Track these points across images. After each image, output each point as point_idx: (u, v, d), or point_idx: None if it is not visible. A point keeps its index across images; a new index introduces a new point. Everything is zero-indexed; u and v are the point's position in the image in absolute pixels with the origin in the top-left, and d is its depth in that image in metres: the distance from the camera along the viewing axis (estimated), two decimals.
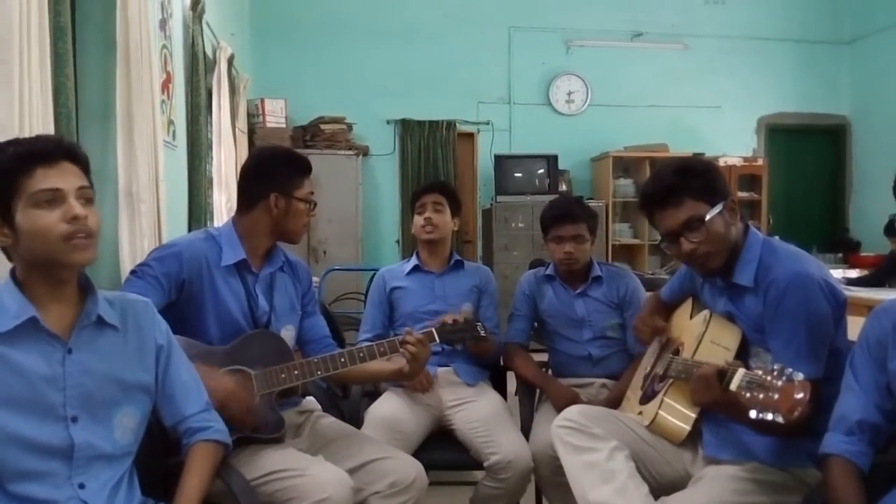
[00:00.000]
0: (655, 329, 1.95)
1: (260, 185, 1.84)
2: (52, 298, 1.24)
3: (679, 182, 1.61)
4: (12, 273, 1.25)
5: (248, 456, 1.64)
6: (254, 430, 1.68)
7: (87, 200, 1.25)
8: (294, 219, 1.86)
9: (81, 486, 1.23)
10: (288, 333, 1.89)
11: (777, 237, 1.77)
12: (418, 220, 2.49)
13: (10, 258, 1.25)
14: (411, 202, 2.57)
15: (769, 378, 1.27)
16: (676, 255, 1.66)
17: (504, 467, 2.03)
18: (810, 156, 7.34)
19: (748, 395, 1.29)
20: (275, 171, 1.85)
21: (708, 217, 1.58)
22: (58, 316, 1.25)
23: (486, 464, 2.07)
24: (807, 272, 1.53)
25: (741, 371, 1.36)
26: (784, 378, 1.25)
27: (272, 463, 1.62)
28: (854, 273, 4.61)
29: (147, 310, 1.40)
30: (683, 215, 1.60)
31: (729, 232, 1.61)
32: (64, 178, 1.22)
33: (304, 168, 1.90)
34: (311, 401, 2.10)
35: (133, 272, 1.71)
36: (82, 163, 1.27)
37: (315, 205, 1.91)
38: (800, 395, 1.22)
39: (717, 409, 1.54)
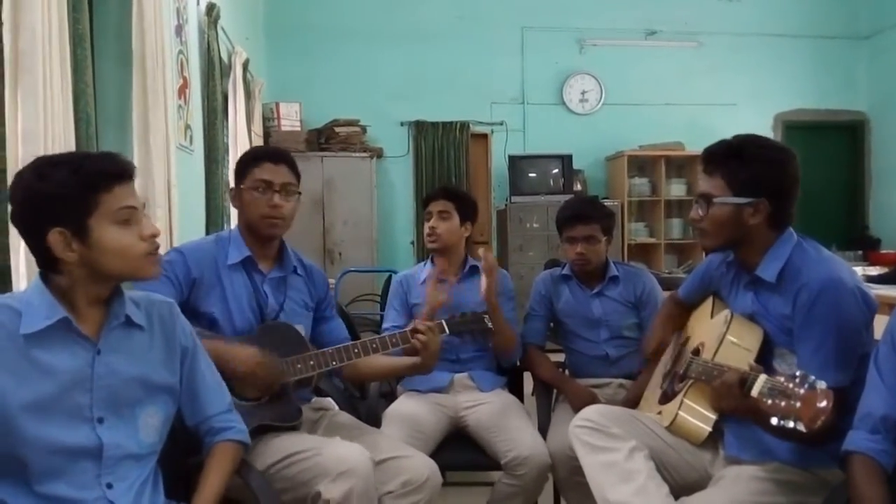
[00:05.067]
0: (659, 349, 1.97)
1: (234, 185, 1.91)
2: (85, 302, 1.26)
3: (721, 157, 1.60)
4: (42, 276, 1.26)
5: (265, 443, 1.67)
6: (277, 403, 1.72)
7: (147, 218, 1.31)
8: (247, 208, 1.85)
9: (109, 486, 1.24)
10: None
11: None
12: (425, 228, 2.45)
13: (54, 269, 1.23)
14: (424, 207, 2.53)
15: (791, 385, 1.25)
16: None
17: (521, 463, 2.02)
18: (828, 152, 7.25)
19: (770, 401, 1.27)
20: (236, 168, 1.91)
21: (716, 201, 1.58)
22: (87, 317, 1.26)
23: (503, 461, 2.06)
24: (840, 278, 1.50)
25: (763, 377, 1.34)
26: (806, 386, 1.22)
27: (290, 446, 1.65)
28: (874, 270, 4.55)
29: (172, 311, 1.42)
30: (704, 187, 1.61)
31: (737, 226, 1.59)
32: (134, 196, 1.27)
33: (253, 156, 1.90)
34: (328, 401, 2.11)
35: None
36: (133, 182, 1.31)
37: (278, 192, 1.82)
38: (822, 405, 1.20)
39: (739, 414, 1.52)
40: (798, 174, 1.63)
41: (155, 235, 1.27)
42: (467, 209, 2.44)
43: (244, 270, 1.85)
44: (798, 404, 1.22)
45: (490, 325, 2.02)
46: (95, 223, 1.20)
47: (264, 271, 1.88)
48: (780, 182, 1.60)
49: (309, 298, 1.98)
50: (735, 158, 1.59)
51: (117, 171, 1.23)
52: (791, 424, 1.22)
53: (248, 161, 1.89)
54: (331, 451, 1.61)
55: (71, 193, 1.18)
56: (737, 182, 1.57)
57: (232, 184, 1.94)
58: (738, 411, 1.47)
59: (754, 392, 1.33)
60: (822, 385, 1.22)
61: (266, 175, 1.83)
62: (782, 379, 1.27)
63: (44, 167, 1.20)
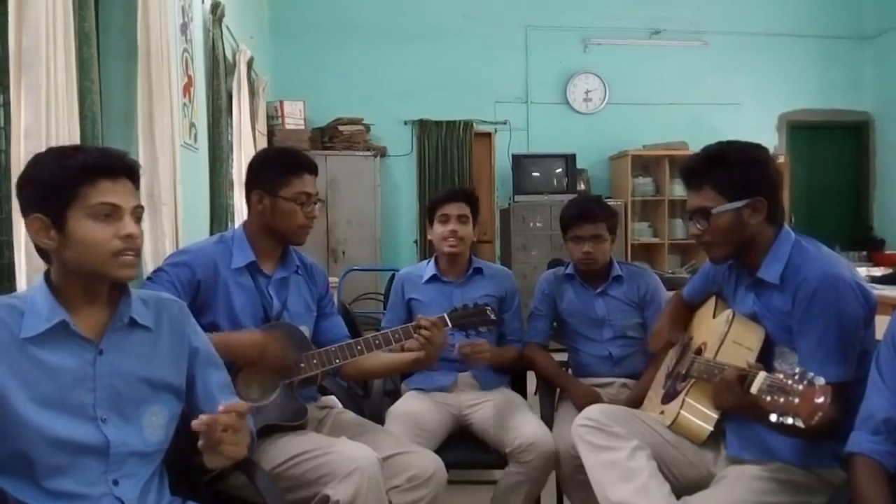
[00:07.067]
0: (668, 344, 1.96)
1: (248, 186, 1.88)
2: (85, 303, 1.26)
3: (704, 169, 1.62)
4: (46, 275, 1.27)
5: (272, 443, 1.68)
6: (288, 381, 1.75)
7: (138, 219, 1.27)
8: (283, 218, 1.83)
9: (115, 483, 1.25)
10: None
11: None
12: (440, 230, 2.36)
13: (47, 260, 1.27)
14: (430, 208, 2.44)
15: (790, 382, 1.26)
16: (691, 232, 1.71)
17: (526, 449, 2.02)
18: (833, 153, 7.24)
19: (769, 398, 1.28)
20: (261, 170, 1.87)
21: (715, 211, 1.58)
22: (90, 318, 1.27)
23: (508, 450, 2.06)
24: (838, 273, 1.51)
25: (762, 374, 1.35)
26: (805, 382, 1.24)
27: (296, 446, 1.65)
28: (878, 271, 4.54)
29: (182, 311, 1.42)
30: (697, 202, 1.62)
31: (741, 230, 1.59)
32: (124, 194, 1.24)
33: (293, 167, 1.85)
34: (332, 399, 2.12)
35: (149, 278, 1.75)
36: (137, 182, 1.30)
37: (316, 204, 1.88)
38: (820, 400, 1.21)
39: (740, 411, 1.53)
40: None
41: (132, 236, 1.23)
42: (476, 211, 2.44)
43: (249, 275, 1.84)
44: (796, 400, 1.23)
45: (493, 316, 2.02)
46: (73, 214, 1.20)
47: (268, 273, 1.88)
48: (768, 177, 1.62)
49: (311, 298, 1.98)
50: (719, 166, 1.60)
51: (105, 166, 1.22)
52: (790, 421, 1.23)
53: (285, 169, 1.84)
54: (338, 450, 1.61)
55: (53, 181, 1.19)
56: (729, 187, 1.58)
57: (236, 182, 1.94)
58: (738, 408, 1.48)
59: (754, 389, 1.34)
60: (820, 381, 1.23)
61: (308, 188, 1.85)
62: (781, 376, 1.28)
63: (44, 154, 1.26)
